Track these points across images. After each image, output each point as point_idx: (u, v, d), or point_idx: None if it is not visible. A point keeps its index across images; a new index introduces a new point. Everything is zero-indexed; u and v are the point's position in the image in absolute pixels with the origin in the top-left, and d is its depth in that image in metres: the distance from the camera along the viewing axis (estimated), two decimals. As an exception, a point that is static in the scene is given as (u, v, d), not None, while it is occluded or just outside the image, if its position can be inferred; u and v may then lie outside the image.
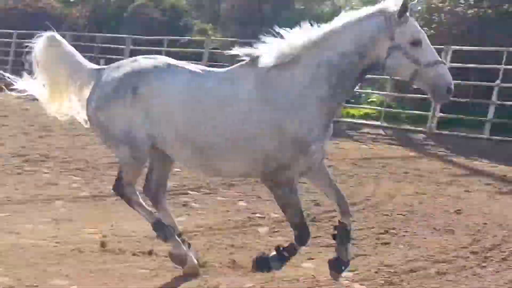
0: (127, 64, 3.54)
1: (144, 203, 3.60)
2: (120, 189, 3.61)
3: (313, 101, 3.09)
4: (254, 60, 3.17)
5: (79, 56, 3.71)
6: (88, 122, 3.61)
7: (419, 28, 3.05)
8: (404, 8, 2.85)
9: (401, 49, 2.92)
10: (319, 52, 3.06)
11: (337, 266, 3.34)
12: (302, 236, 3.31)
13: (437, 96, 3.14)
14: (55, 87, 3.59)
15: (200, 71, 3.41)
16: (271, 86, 3.14)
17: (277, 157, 3.13)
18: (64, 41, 3.74)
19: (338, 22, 3.08)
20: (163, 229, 3.47)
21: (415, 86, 3.20)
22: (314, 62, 3.07)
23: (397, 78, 4.03)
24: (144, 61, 3.49)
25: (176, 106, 3.24)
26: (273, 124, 3.07)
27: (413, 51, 2.92)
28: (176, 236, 3.51)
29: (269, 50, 3.09)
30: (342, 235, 3.33)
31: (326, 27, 3.09)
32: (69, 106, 3.70)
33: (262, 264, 3.31)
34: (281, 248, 3.33)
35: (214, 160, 3.33)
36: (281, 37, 3.06)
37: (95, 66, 3.81)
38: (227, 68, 3.52)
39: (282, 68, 3.09)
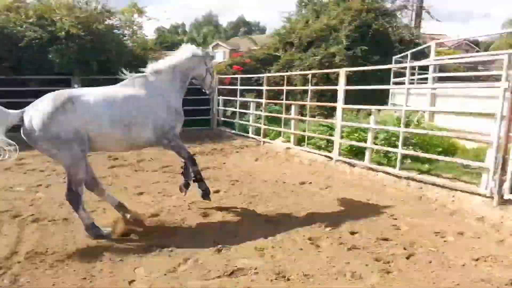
0: (46, 96, 4.62)
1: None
2: (71, 192, 4.65)
3: (177, 91, 5.51)
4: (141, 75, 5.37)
5: None
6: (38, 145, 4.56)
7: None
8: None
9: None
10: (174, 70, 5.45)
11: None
12: (191, 159, 5.57)
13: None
14: None
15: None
16: (161, 86, 5.33)
17: (168, 122, 5.25)
18: None
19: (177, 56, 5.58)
20: (94, 228, 4.69)
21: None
22: (172, 75, 5.45)
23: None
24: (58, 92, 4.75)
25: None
26: (165, 104, 5.25)
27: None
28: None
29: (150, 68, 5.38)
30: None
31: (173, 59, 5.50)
32: None
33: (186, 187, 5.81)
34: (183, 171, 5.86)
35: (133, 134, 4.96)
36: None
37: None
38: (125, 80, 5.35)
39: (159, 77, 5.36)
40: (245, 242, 4.51)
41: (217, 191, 6.62)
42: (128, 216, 5.09)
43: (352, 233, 4.79)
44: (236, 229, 4.95)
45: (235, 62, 16.00)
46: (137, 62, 13.31)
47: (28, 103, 4.57)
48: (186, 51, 5.59)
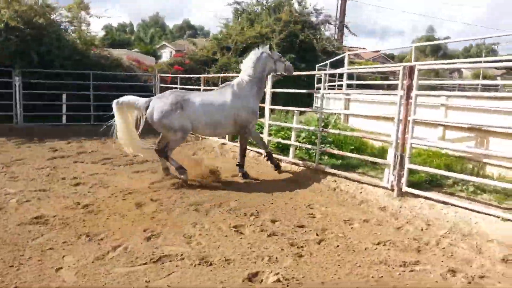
0: (168, 96, 6.29)
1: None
2: (165, 153, 6.40)
3: (253, 95, 6.60)
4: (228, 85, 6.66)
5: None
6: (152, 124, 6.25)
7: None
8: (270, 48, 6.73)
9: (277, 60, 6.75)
10: (252, 75, 6.58)
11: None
12: (263, 144, 7.18)
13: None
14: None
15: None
16: (239, 93, 6.51)
17: (247, 119, 6.59)
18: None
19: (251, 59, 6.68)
20: (181, 168, 6.32)
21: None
22: (251, 80, 6.55)
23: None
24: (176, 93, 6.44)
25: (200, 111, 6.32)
26: (245, 106, 6.50)
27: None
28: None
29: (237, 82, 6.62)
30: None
31: (249, 72, 6.59)
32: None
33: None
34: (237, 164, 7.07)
35: (217, 130, 6.68)
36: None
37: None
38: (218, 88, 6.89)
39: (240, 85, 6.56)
40: (174, 230, 4.39)
41: (152, 183, 6.40)
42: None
43: (273, 221, 4.82)
44: (167, 217, 4.80)
45: (176, 62, 15.61)
46: (79, 57, 12.59)
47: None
48: (254, 62, 6.56)
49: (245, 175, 6.86)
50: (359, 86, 13.94)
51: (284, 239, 4.24)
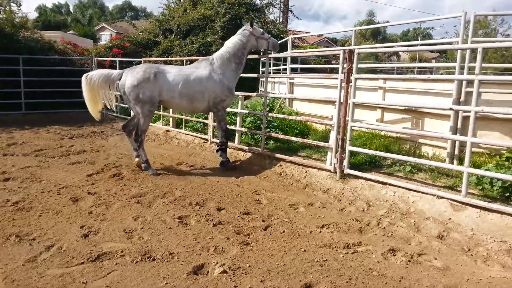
0: (142, 66, 6.20)
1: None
2: (137, 135, 6.22)
3: (232, 71, 6.39)
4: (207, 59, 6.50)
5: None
6: (124, 96, 6.17)
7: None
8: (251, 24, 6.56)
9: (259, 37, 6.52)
10: (231, 51, 6.39)
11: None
12: (225, 131, 6.61)
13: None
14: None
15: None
16: (217, 68, 6.31)
17: (221, 96, 6.31)
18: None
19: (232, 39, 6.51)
20: (148, 163, 6.28)
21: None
22: (229, 56, 6.36)
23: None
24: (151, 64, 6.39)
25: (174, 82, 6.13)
26: (220, 81, 6.26)
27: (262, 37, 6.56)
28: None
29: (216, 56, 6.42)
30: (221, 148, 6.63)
31: (229, 48, 6.42)
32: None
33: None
34: (218, 147, 6.65)
35: (194, 103, 6.30)
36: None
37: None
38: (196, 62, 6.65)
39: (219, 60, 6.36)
40: (114, 225, 4.15)
41: (90, 175, 6.03)
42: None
43: (219, 209, 4.74)
44: (106, 212, 4.54)
45: (115, 45, 14.77)
46: (6, 40, 11.50)
47: None
48: (236, 38, 6.41)
49: (224, 163, 6.61)
50: (303, 70, 14.09)
51: (230, 228, 4.17)
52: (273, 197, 5.29)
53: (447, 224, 4.24)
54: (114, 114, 11.74)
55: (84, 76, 6.16)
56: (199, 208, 4.75)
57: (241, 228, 4.18)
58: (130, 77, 6.03)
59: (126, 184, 5.65)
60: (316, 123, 7.05)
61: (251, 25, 6.54)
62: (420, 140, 6.28)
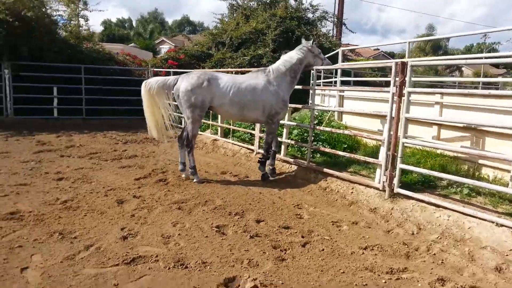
0: (197, 72, 6.35)
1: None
2: (188, 140, 6.30)
3: (287, 84, 6.37)
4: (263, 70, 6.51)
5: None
6: (178, 100, 6.22)
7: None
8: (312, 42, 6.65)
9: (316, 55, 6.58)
10: (288, 64, 6.38)
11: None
12: (268, 144, 6.58)
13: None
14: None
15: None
16: (272, 80, 6.30)
17: (276, 108, 6.27)
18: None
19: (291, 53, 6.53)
20: (195, 169, 6.33)
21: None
22: (286, 69, 6.35)
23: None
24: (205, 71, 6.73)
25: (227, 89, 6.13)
26: (276, 93, 6.23)
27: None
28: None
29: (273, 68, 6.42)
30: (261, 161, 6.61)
31: (287, 62, 6.40)
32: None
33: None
34: (259, 160, 6.61)
35: (244, 112, 6.25)
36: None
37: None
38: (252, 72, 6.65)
39: (275, 73, 6.35)
40: (153, 229, 4.18)
41: (137, 179, 6.19)
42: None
43: (258, 221, 4.62)
44: (147, 216, 4.59)
45: (170, 57, 15.33)
46: (70, 51, 12.33)
47: None
48: (295, 52, 6.47)
49: (264, 176, 6.55)
50: (357, 83, 13.71)
51: (267, 241, 4.03)
52: (315, 212, 5.08)
53: (507, 255, 3.79)
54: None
55: (143, 83, 6.36)
56: (238, 218, 4.67)
57: (278, 242, 4.03)
58: (185, 82, 6.12)
59: (170, 189, 5.72)
60: (364, 137, 6.75)
61: (312, 43, 6.59)
62: (480, 161, 5.77)
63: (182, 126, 7.04)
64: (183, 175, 6.38)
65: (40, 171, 6.36)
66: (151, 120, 6.42)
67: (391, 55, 47.45)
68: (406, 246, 4.09)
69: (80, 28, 13.19)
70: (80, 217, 4.41)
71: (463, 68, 47.59)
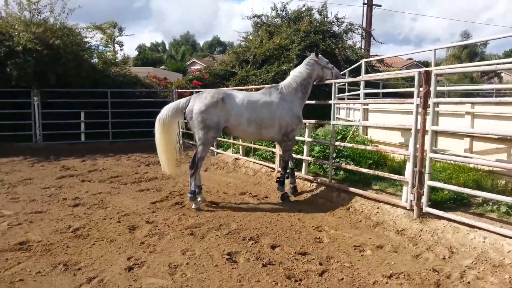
0: (209, 91, 5.97)
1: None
2: (194, 162, 5.88)
3: (299, 99, 6.19)
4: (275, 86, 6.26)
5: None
6: (190, 121, 5.87)
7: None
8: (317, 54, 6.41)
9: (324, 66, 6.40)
10: (299, 79, 6.22)
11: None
12: (286, 167, 6.33)
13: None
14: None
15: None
16: (285, 96, 6.09)
17: (291, 124, 6.04)
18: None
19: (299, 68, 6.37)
20: (194, 194, 5.84)
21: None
22: (297, 85, 6.18)
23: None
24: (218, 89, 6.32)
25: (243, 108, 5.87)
26: (290, 109, 6.02)
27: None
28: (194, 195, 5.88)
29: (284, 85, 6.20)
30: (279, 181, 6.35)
31: (297, 77, 6.24)
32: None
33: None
34: (278, 180, 6.35)
35: (262, 130, 5.98)
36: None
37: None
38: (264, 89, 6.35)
39: (287, 89, 6.16)
40: (161, 258, 3.98)
41: (153, 202, 6.06)
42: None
43: (273, 246, 4.33)
44: (157, 243, 4.40)
45: (195, 77, 15.47)
46: (97, 76, 12.66)
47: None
48: (302, 67, 6.30)
49: (284, 196, 6.24)
50: (386, 95, 13.23)
51: (280, 270, 3.73)
52: (336, 235, 4.72)
53: (556, 284, 3.30)
54: (190, 142, 12.07)
55: (157, 120, 5.93)
56: (252, 244, 4.39)
57: (293, 271, 3.71)
58: (198, 102, 5.78)
59: (185, 213, 5.54)
60: (388, 153, 6.34)
61: (316, 55, 6.36)
62: (521, 175, 5.22)
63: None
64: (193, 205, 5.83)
65: (58, 197, 6.37)
66: (164, 158, 6.03)
67: (425, 64, 45.95)
68: (436, 273, 3.67)
69: (116, 54, 13.64)
70: (88, 246, 4.28)
71: (502, 74, 45.45)
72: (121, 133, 12.57)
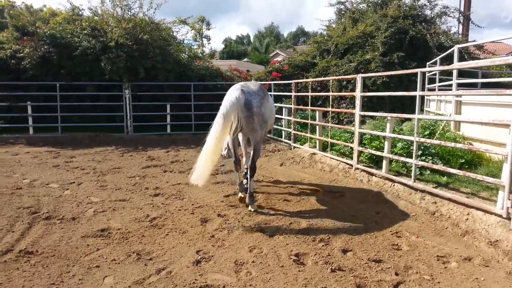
0: (243, 84, 5.49)
1: None
2: (254, 165, 5.54)
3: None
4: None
5: None
6: (248, 119, 5.20)
7: None
8: None
9: None
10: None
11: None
12: (254, 168, 5.59)
13: None
14: None
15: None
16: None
17: (273, 124, 6.33)
18: None
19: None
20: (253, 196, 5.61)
21: None
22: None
23: None
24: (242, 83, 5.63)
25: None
26: (273, 113, 5.93)
27: None
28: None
29: None
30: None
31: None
32: None
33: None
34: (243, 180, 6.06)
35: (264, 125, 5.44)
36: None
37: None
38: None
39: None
40: (228, 254, 3.99)
41: (227, 195, 6.16)
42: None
43: (345, 250, 4.09)
44: (226, 237, 4.43)
45: (274, 69, 15.42)
46: (182, 69, 13.29)
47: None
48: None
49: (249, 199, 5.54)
50: (485, 86, 11.85)
51: (350, 277, 3.50)
52: (417, 242, 4.32)
53: None
54: (269, 135, 12.11)
55: (221, 115, 5.07)
56: (322, 245, 4.20)
57: (364, 279, 3.46)
58: (254, 96, 5.23)
59: (257, 209, 5.51)
60: (481, 151, 5.61)
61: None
62: None
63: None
64: (242, 195, 5.71)
65: (141, 186, 6.78)
66: (205, 166, 5.29)
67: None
68: (537, 297, 3.14)
69: (202, 48, 14.32)
70: (162, 236, 4.47)
71: None
72: (203, 125, 13.05)
